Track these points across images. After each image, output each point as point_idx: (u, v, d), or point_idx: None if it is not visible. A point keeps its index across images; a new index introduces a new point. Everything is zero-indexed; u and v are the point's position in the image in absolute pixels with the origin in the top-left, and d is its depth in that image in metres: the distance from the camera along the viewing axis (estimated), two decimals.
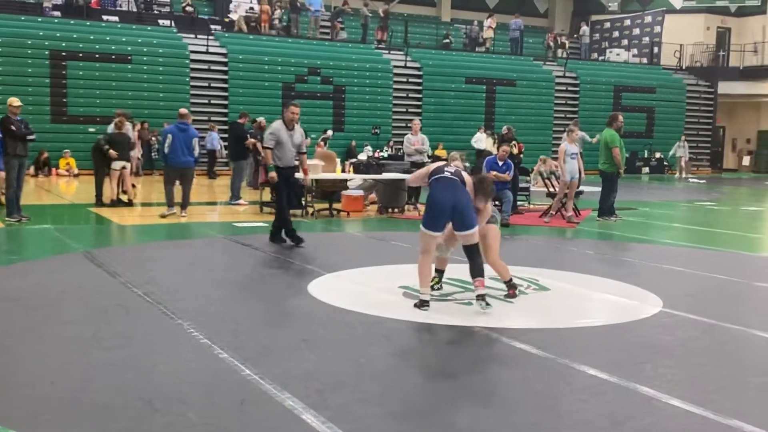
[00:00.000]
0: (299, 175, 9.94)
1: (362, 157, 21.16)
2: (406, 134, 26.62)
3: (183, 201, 12.22)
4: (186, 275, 7.46)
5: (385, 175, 13.39)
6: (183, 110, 12.71)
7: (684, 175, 27.63)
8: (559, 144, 13.31)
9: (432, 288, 6.51)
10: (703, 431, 3.72)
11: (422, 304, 6.09)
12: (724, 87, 32.63)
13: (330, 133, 23.01)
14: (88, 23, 23.51)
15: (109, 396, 4.02)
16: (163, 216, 11.92)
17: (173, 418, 3.74)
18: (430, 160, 14.28)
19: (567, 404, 4.09)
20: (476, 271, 6.13)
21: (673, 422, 3.83)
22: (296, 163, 9.49)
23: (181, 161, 12.11)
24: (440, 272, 6.88)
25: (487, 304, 5.98)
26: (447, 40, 29.96)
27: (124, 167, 13.39)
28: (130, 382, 4.24)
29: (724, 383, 4.45)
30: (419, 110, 26.53)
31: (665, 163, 29.99)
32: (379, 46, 27.79)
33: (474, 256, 6.19)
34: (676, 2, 34.18)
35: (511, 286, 6.65)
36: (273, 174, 9.22)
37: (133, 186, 14.33)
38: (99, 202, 13.27)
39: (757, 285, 7.67)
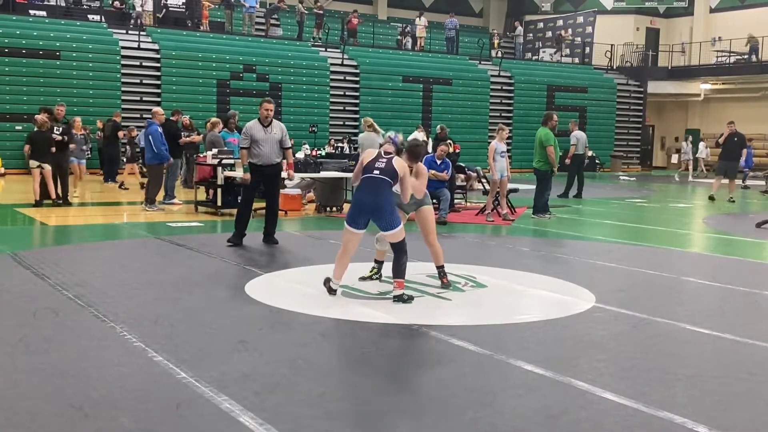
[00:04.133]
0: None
1: (300, 155, 21.01)
2: (346, 132, 26.51)
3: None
4: (118, 277, 7.29)
5: (323, 174, 13.34)
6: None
7: (696, 173, 27.93)
8: None
9: (371, 278, 7.04)
10: (635, 423, 3.80)
11: (329, 291, 6.41)
12: (653, 86, 33.58)
13: None
14: (14, 18, 22.78)
15: (36, 403, 3.88)
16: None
17: (105, 424, 3.64)
18: None
19: (503, 400, 4.14)
20: (397, 272, 6.30)
21: (606, 415, 3.91)
22: (277, 160, 9.32)
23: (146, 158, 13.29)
24: (380, 263, 7.13)
25: (405, 300, 6.21)
26: (399, 37, 30.26)
27: (39, 166, 12.96)
28: (59, 387, 4.11)
29: (654, 376, 4.56)
30: (356, 108, 26.54)
31: (597, 161, 30.67)
32: (316, 43, 27.68)
33: (399, 254, 6.30)
34: (607, 3, 34.99)
35: (443, 273, 6.94)
36: (246, 175, 9.24)
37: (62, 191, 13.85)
38: (50, 200, 13.08)
39: (685, 280, 7.91)
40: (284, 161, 9.60)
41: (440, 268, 6.98)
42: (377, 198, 6.27)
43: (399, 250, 6.30)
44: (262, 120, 9.21)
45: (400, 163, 6.41)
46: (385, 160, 6.38)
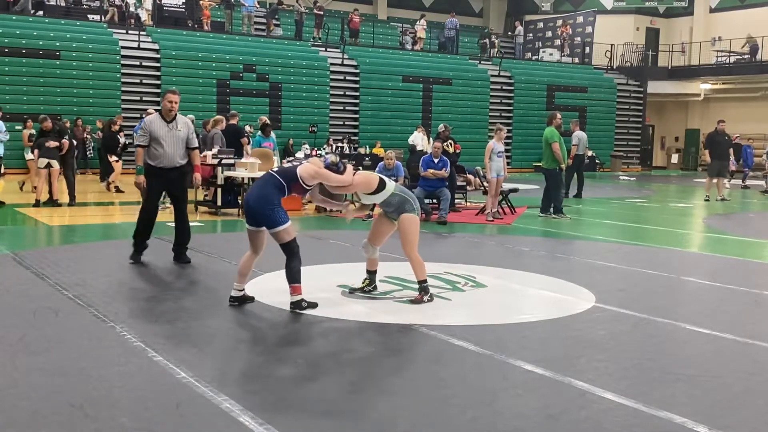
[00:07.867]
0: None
1: (300, 155, 21.03)
2: (345, 132, 26.45)
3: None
4: (118, 277, 7.29)
5: None
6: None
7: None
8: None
9: (363, 290, 6.55)
10: (635, 423, 3.80)
11: (242, 300, 6.10)
12: (653, 86, 33.57)
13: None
14: (14, 18, 22.79)
15: (36, 402, 3.88)
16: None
17: (105, 423, 3.64)
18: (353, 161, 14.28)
19: (503, 399, 4.14)
20: (289, 276, 5.89)
21: (606, 415, 3.91)
22: (182, 162, 7.89)
23: None
24: (372, 273, 6.57)
25: (301, 309, 5.85)
26: (409, 37, 30.35)
27: (48, 164, 13.00)
28: (59, 387, 4.11)
29: (654, 375, 4.56)
30: (356, 108, 26.54)
31: (597, 161, 30.67)
32: (316, 43, 27.69)
33: (289, 257, 5.87)
34: (607, 3, 34.98)
35: (422, 289, 6.27)
36: (139, 178, 7.82)
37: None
38: (51, 200, 13.09)
39: (685, 280, 7.91)
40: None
41: (420, 282, 6.28)
42: (254, 191, 5.94)
43: (289, 253, 5.86)
44: (165, 114, 7.73)
45: (304, 166, 5.99)
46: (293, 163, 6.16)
